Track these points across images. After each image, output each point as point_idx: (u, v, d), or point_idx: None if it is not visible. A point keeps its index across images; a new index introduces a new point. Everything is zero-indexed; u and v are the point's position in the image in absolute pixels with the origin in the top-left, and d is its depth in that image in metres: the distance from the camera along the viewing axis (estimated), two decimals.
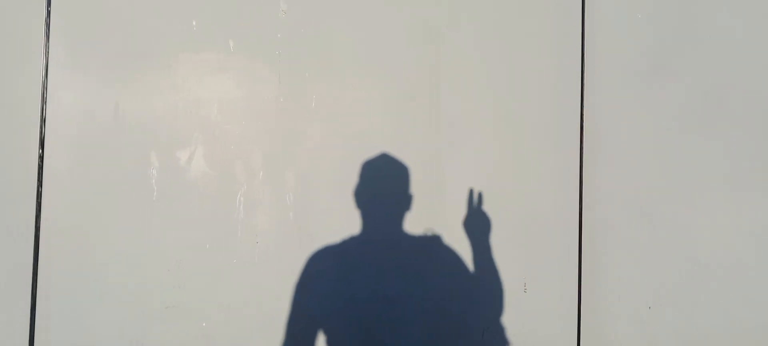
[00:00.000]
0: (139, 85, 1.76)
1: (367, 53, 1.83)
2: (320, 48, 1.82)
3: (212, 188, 1.77)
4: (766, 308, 1.87)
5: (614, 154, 1.87)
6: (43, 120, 1.73)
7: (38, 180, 1.73)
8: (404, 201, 1.81)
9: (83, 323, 1.75)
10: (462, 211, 1.83)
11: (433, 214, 1.82)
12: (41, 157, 1.73)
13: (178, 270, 1.76)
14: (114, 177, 1.75)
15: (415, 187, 1.82)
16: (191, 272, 1.77)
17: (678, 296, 1.87)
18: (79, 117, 1.74)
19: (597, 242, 1.86)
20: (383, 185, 1.81)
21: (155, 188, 1.76)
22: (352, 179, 1.81)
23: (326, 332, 1.80)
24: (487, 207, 1.83)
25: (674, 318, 1.87)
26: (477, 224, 1.82)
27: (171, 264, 1.76)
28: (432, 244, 1.81)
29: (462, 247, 1.82)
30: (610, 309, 1.87)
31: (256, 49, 1.79)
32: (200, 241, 1.77)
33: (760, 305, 1.87)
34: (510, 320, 1.84)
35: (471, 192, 1.83)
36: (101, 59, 1.75)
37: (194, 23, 1.78)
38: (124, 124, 1.75)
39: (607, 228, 1.86)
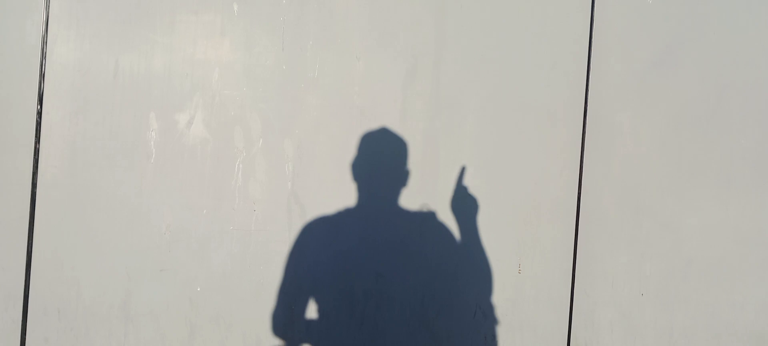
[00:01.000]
0: (140, 45, 1.74)
1: (372, 25, 1.80)
2: (325, 17, 1.79)
3: (211, 154, 1.76)
4: (747, 306, 1.88)
5: (615, 144, 1.86)
6: (42, 75, 1.71)
7: (36, 136, 1.72)
8: (402, 176, 1.81)
9: (73, 280, 1.76)
10: (458, 191, 1.82)
11: (428, 192, 1.81)
12: (40, 113, 1.71)
13: (172, 233, 1.76)
14: (112, 136, 1.74)
15: (412, 164, 1.82)
16: (186, 236, 1.77)
17: (663, 289, 1.88)
18: (79, 74, 1.73)
19: (592, 230, 1.86)
20: (382, 159, 1.81)
21: (154, 150, 1.75)
22: (351, 151, 1.80)
23: (315, 303, 1.81)
24: (484, 188, 1.83)
25: (658, 310, 1.88)
26: (472, 204, 1.82)
27: (165, 227, 1.76)
28: (426, 221, 1.81)
29: (455, 226, 1.82)
30: (601, 296, 1.88)
31: (261, 14, 1.77)
32: (197, 206, 1.76)
33: (742, 302, 1.88)
34: (502, 302, 1.85)
35: (467, 173, 1.82)
36: (102, 17, 1.73)
37: None
38: (123, 84, 1.74)
39: (603, 217, 1.86)
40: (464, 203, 1.81)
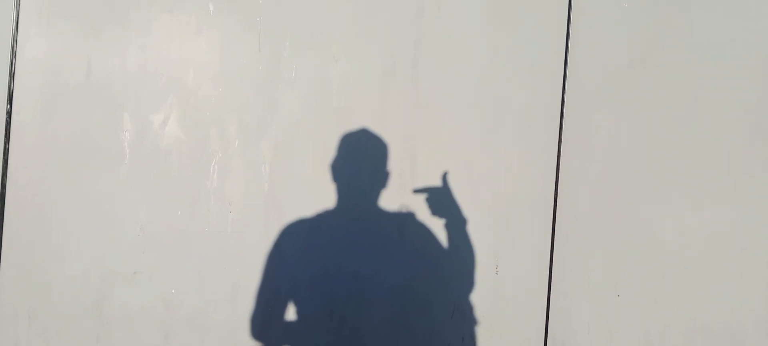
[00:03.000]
0: (113, 43, 1.71)
1: (350, 25, 1.79)
2: (303, 17, 1.78)
3: (185, 154, 1.74)
4: (722, 306, 1.91)
5: (592, 145, 1.88)
6: (11, 74, 1.67)
7: (6, 135, 1.68)
8: (381, 177, 1.80)
9: (44, 283, 1.72)
10: (436, 191, 1.82)
11: (407, 193, 1.81)
12: (9, 113, 1.67)
13: (146, 235, 1.74)
14: (84, 136, 1.71)
15: (391, 164, 1.81)
16: (160, 237, 1.74)
17: (639, 289, 1.90)
18: (50, 73, 1.69)
19: (569, 230, 1.88)
20: (361, 160, 1.80)
21: (127, 151, 1.72)
22: (330, 152, 1.79)
23: (293, 305, 1.80)
24: (462, 189, 1.83)
25: (635, 310, 1.90)
26: (450, 204, 1.82)
27: (140, 228, 1.74)
28: (405, 221, 1.81)
29: (435, 226, 1.82)
30: (578, 296, 1.89)
31: (237, 13, 1.75)
32: (171, 207, 1.74)
33: (717, 302, 1.91)
34: (480, 301, 1.85)
35: (445, 173, 1.83)
36: (74, 14, 1.69)
37: None
38: (96, 83, 1.71)
39: (579, 217, 1.88)
40: (443, 204, 1.81)
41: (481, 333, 1.85)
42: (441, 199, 1.81)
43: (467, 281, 1.84)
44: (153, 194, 1.73)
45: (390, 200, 1.81)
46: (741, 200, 1.90)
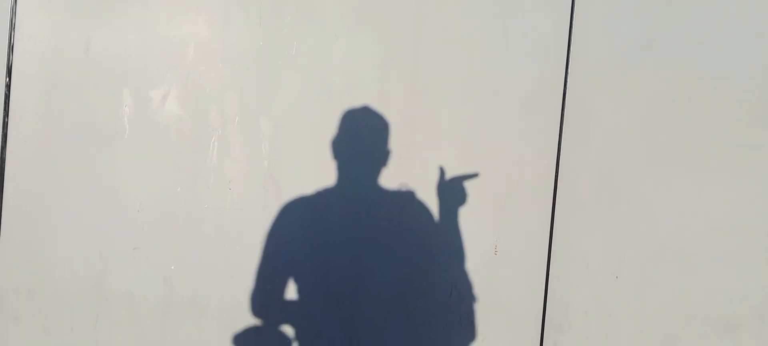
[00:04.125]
0: (113, 19, 1.70)
1: (352, 3, 1.78)
2: None
3: (185, 131, 1.73)
4: (718, 292, 1.91)
5: (593, 130, 1.87)
6: (10, 47, 1.66)
7: (4, 109, 1.67)
8: (381, 156, 1.80)
9: (44, 258, 1.73)
10: (436, 172, 1.82)
11: (405, 175, 1.81)
12: (8, 86, 1.67)
13: (145, 212, 1.74)
14: (84, 111, 1.70)
15: (390, 145, 1.81)
16: (159, 214, 1.74)
17: (637, 273, 1.90)
18: (49, 47, 1.68)
19: (569, 214, 1.88)
20: (362, 139, 1.79)
21: (127, 127, 1.72)
22: (329, 130, 1.78)
23: (292, 284, 1.80)
24: (462, 170, 1.82)
25: (632, 294, 1.90)
26: (450, 186, 1.82)
27: (139, 205, 1.73)
28: (405, 202, 1.81)
29: (434, 206, 1.82)
30: (576, 279, 1.89)
31: None
32: (171, 184, 1.74)
33: (714, 288, 1.91)
34: (478, 283, 1.86)
35: (445, 155, 1.82)
36: None
37: None
38: (96, 58, 1.70)
39: (579, 201, 1.88)
40: (443, 184, 1.81)
41: (479, 314, 1.86)
42: (441, 179, 1.81)
43: (465, 263, 1.84)
44: (152, 171, 1.73)
45: (390, 179, 1.80)
46: (740, 187, 1.90)
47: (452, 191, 1.82)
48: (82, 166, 1.71)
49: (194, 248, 1.76)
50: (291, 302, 1.80)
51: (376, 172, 1.80)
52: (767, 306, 1.91)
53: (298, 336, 1.80)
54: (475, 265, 1.85)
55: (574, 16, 1.84)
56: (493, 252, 1.85)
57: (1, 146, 1.67)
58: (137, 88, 1.71)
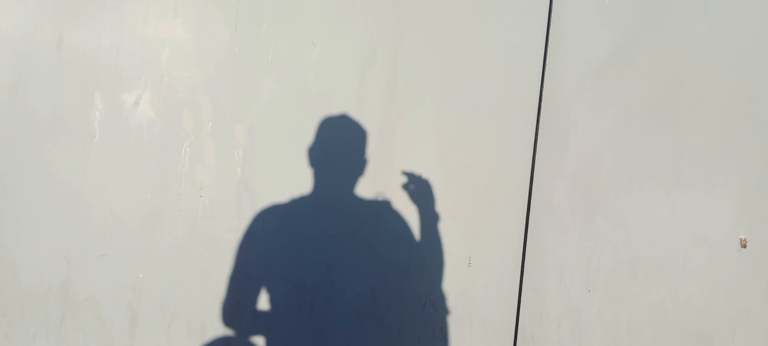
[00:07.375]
0: (87, 19, 1.67)
1: (330, 9, 1.77)
2: None
3: (157, 136, 1.70)
4: (690, 305, 1.93)
5: (568, 138, 1.88)
6: None
7: None
8: (358, 165, 1.79)
9: (9, 261, 1.68)
10: (411, 180, 1.81)
11: (383, 181, 1.80)
12: None
13: (115, 217, 1.70)
14: (53, 113, 1.66)
15: (368, 152, 1.80)
16: (129, 220, 1.71)
17: (610, 285, 1.91)
18: (20, 45, 1.64)
19: (543, 224, 1.88)
20: (338, 147, 1.78)
21: (97, 130, 1.68)
22: (305, 137, 1.77)
23: (264, 293, 1.78)
24: (437, 179, 1.82)
25: (605, 306, 1.91)
26: (425, 195, 1.81)
27: (108, 210, 1.70)
28: (380, 211, 1.80)
29: (409, 216, 1.81)
30: (550, 290, 1.90)
31: None
32: (141, 189, 1.70)
33: (686, 301, 1.93)
34: (452, 293, 1.85)
35: (422, 162, 1.81)
36: None
37: None
38: (67, 58, 1.66)
39: (553, 211, 1.88)
40: (419, 194, 1.80)
41: (452, 325, 1.85)
42: (418, 189, 1.80)
43: (440, 273, 1.83)
44: (122, 176, 1.69)
45: (366, 188, 1.79)
46: (714, 198, 1.92)
47: (428, 200, 1.81)
48: (51, 169, 1.67)
49: (164, 255, 1.73)
50: (263, 312, 1.77)
51: (353, 180, 1.78)
52: (740, 318, 1.93)
53: None
54: (449, 276, 1.84)
55: (551, 25, 1.86)
56: (467, 263, 1.85)
57: None
58: (109, 91, 1.68)
